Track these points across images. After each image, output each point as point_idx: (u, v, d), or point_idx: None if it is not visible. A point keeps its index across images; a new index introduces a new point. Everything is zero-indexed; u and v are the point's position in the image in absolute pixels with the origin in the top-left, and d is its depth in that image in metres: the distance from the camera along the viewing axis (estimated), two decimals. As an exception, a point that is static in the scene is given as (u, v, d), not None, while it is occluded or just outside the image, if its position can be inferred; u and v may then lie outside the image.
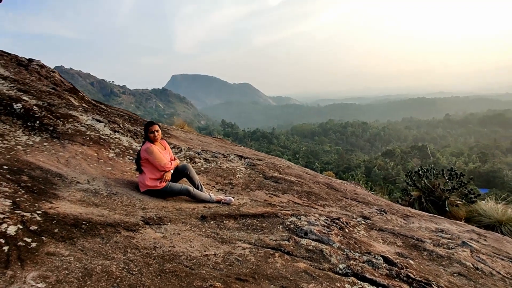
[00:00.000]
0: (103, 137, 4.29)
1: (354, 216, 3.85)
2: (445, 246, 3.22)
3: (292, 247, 2.52)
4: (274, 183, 4.69)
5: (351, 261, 2.36)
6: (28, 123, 3.98)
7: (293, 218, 3.11)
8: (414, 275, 2.28)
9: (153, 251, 2.23)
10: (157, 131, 3.35)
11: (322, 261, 2.35)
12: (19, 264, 1.76)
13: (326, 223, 3.10)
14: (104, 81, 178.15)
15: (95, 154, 3.82)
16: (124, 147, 4.28)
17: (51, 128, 4.03)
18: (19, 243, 1.90)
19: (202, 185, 3.57)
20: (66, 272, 1.79)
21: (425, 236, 3.51)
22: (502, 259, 3.26)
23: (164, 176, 3.26)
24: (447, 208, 6.89)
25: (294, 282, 2.03)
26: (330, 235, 2.75)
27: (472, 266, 2.88)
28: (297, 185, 4.75)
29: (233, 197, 3.60)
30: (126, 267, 1.96)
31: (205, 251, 2.37)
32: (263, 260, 2.31)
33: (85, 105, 6.32)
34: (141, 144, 3.46)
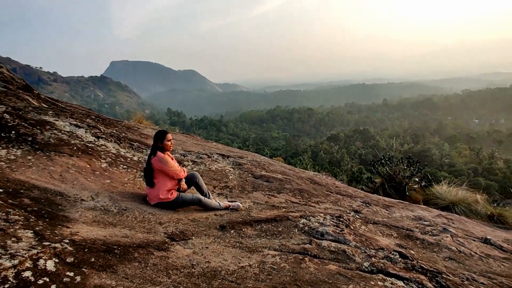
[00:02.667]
0: (89, 145, 4.01)
1: (348, 211, 4.16)
2: (430, 233, 3.67)
3: (316, 250, 2.70)
4: (266, 182, 4.82)
5: (373, 259, 2.61)
6: (2, 134, 3.57)
7: (304, 220, 3.29)
8: (426, 266, 2.60)
9: (193, 269, 2.24)
10: (171, 140, 3.27)
11: (348, 261, 2.57)
12: (76, 303, 1.67)
13: (333, 222, 3.33)
14: (29, 67, 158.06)
15: (88, 166, 3.58)
16: (114, 155, 4.05)
17: (30, 139, 3.65)
18: (64, 279, 1.79)
19: (210, 193, 3.56)
20: (125, 304, 1.75)
21: (411, 225, 3.95)
22: (474, 240, 3.82)
23: (180, 184, 3.21)
24: (407, 193, 7.69)
25: (335, 285, 2.21)
26: (344, 235, 2.98)
27: (456, 249, 3.35)
28: (287, 183, 4.94)
29: (240, 203, 3.65)
30: (178, 291, 1.96)
31: (239, 263, 2.44)
32: (297, 266, 2.45)
33: (44, 105, 5.77)
34: (148, 155, 3.31)
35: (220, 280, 2.15)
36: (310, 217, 3.36)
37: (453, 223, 4.53)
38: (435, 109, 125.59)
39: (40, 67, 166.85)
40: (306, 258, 2.55)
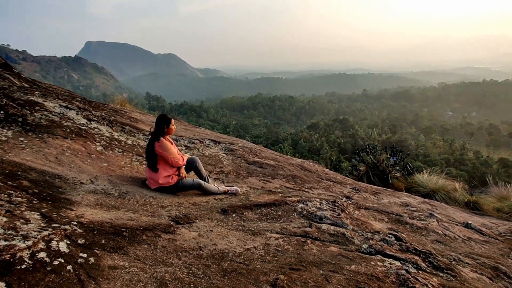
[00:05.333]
0: (82, 128, 3.90)
1: (340, 197, 4.30)
2: (418, 218, 3.88)
3: (317, 233, 2.80)
4: (259, 168, 4.88)
5: (370, 241, 2.74)
6: (-10, 114, 3.40)
7: (302, 205, 3.38)
8: (419, 248, 2.77)
9: (201, 252, 2.28)
10: (174, 124, 3.24)
11: (348, 244, 2.69)
12: (93, 283, 1.68)
13: (329, 207, 3.45)
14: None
15: (83, 149, 3.49)
16: (108, 138, 3.97)
17: (20, 120, 3.51)
18: (78, 260, 1.79)
19: (208, 177, 3.58)
20: (142, 284, 1.77)
21: (399, 210, 4.15)
22: (456, 225, 4.07)
23: (181, 172, 3.19)
24: (390, 181, 8.00)
25: (338, 265, 2.32)
26: (341, 219, 3.11)
27: (442, 233, 3.56)
28: (279, 169, 5.03)
29: (237, 188, 3.70)
30: (190, 272, 2.00)
31: (244, 245, 2.50)
32: (300, 248, 2.54)
33: (26, 85, 5.52)
34: (149, 139, 3.27)
35: (229, 262, 2.21)
36: (307, 202, 3.46)
37: (436, 209, 4.78)
38: (412, 101, 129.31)
39: (8, 45, 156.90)
40: (308, 241, 2.65)
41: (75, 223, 2.11)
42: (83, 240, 1.97)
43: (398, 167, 8.52)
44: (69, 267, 1.70)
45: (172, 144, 3.32)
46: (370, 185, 5.78)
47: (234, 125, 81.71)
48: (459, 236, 3.65)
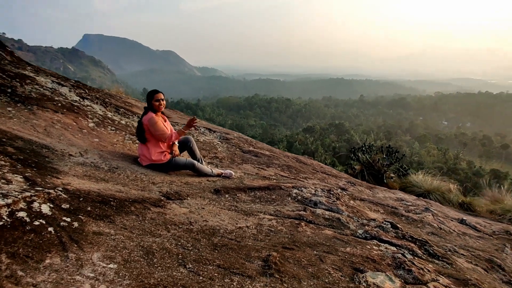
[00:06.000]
0: (75, 104, 3.78)
1: (335, 188, 4.23)
2: (414, 212, 3.82)
3: (311, 217, 2.73)
4: (254, 157, 4.80)
5: (366, 227, 2.67)
6: (-22, 83, 3.28)
7: (296, 190, 3.31)
8: (415, 236, 2.71)
9: (191, 226, 2.19)
10: (162, 99, 3.12)
11: (343, 228, 2.61)
12: (75, 245, 1.58)
13: (324, 194, 3.38)
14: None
15: (74, 123, 3.38)
16: (101, 116, 3.86)
17: (9, 90, 3.39)
18: (61, 223, 1.69)
19: (202, 159, 3.49)
20: (127, 251, 1.68)
21: (395, 204, 4.09)
22: (452, 220, 4.02)
23: (173, 149, 3.10)
24: (385, 181, 7.96)
25: (333, 247, 2.24)
26: (337, 205, 3.04)
27: (437, 226, 3.51)
28: (274, 159, 4.95)
29: (232, 172, 3.61)
30: (179, 243, 1.91)
31: (236, 223, 2.42)
32: (294, 230, 2.46)
33: (18, 62, 5.38)
34: (141, 115, 3.17)
35: (219, 238, 2.12)
36: (302, 188, 3.38)
37: (431, 206, 4.74)
38: (408, 109, 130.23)
39: (3, 33, 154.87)
40: (302, 223, 2.57)
41: (61, 189, 2.01)
42: (68, 205, 1.87)
43: (393, 167, 8.49)
44: (50, 229, 1.60)
45: (165, 121, 3.21)
46: (365, 182, 5.73)
47: (229, 125, 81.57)
48: (454, 230, 3.61)
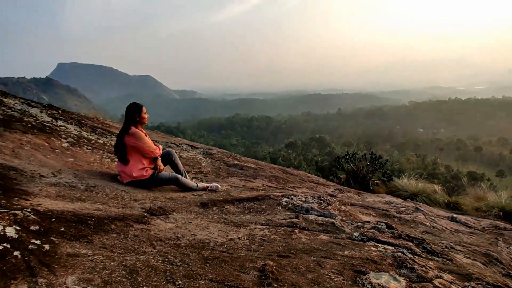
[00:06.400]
0: (47, 124, 3.57)
1: (325, 195, 4.15)
2: (405, 213, 3.78)
3: (304, 223, 2.61)
4: (240, 170, 4.67)
5: (361, 229, 2.58)
6: None
7: (286, 199, 3.19)
8: (411, 234, 2.64)
9: (179, 241, 2.03)
10: (146, 113, 2.99)
11: (338, 232, 2.51)
12: (46, 270, 1.39)
13: (315, 201, 3.28)
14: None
15: (46, 144, 3.16)
16: (76, 136, 3.65)
17: (-27, 113, 3.16)
18: (29, 246, 1.50)
19: (186, 173, 3.33)
20: (108, 272, 1.50)
21: (385, 207, 4.04)
22: (443, 219, 4.00)
23: (158, 165, 2.93)
24: (371, 187, 7.97)
25: (330, 252, 2.12)
26: (329, 210, 2.94)
27: (430, 225, 3.47)
28: (261, 171, 4.84)
29: (218, 185, 3.46)
30: (166, 260, 1.74)
31: (227, 235, 2.26)
32: (288, 237, 2.33)
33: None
34: (120, 129, 3.00)
35: (210, 251, 1.96)
36: (292, 196, 3.27)
37: (420, 206, 4.72)
38: (385, 118, 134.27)
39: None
40: (296, 230, 2.45)
41: (29, 210, 1.81)
42: (37, 227, 1.68)
43: (377, 174, 8.54)
44: (16, 253, 1.41)
45: (146, 135, 3.06)
46: (353, 189, 5.69)
47: (212, 145, 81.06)
48: (446, 228, 3.58)
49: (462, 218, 4.61)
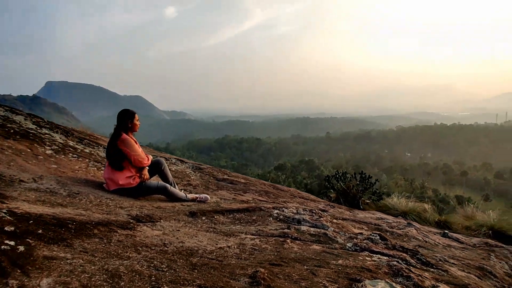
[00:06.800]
0: (31, 131, 3.46)
1: (315, 209, 4.08)
2: (397, 228, 3.73)
3: (296, 234, 2.53)
4: (230, 184, 4.58)
5: (355, 240, 2.51)
6: None
7: (277, 211, 3.11)
8: (406, 246, 2.58)
9: (166, 248, 1.92)
10: (138, 120, 2.93)
11: (331, 242, 2.43)
12: (19, 271, 1.28)
13: (307, 212, 3.21)
14: None
15: (29, 150, 3.04)
16: (61, 144, 3.54)
17: (-46, 117, 3.03)
18: (1, 247, 1.38)
19: (176, 183, 3.23)
20: (87, 275, 1.39)
21: (377, 222, 3.99)
22: (435, 234, 3.96)
23: (143, 174, 2.84)
24: (361, 206, 7.92)
25: (324, 261, 2.04)
26: (322, 221, 2.87)
27: (423, 240, 3.42)
28: (251, 186, 4.76)
29: (208, 196, 3.36)
30: (152, 265, 1.63)
31: (216, 244, 2.16)
32: (279, 247, 2.24)
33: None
34: (111, 136, 2.90)
35: (198, 258, 1.86)
36: (283, 208, 3.20)
37: (412, 222, 4.68)
38: (373, 143, 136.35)
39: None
40: (288, 240, 2.37)
41: (5, 211, 1.70)
42: (13, 228, 1.56)
43: (368, 193, 8.52)
44: (-13, 253, 1.30)
45: (136, 143, 2.98)
46: (344, 206, 5.64)
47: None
48: (439, 243, 3.53)
49: (454, 234, 4.58)
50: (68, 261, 1.48)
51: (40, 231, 1.64)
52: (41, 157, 3.02)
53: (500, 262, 3.17)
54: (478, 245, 4.21)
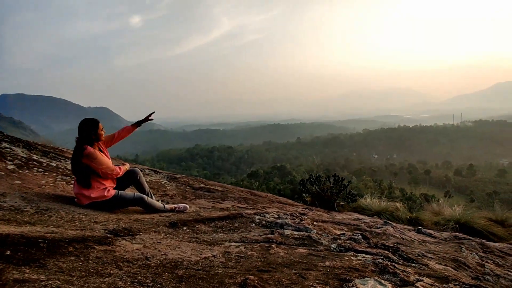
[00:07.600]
0: (-11, 146, 3.19)
1: (295, 213, 4.09)
2: (375, 227, 3.82)
3: (281, 238, 2.51)
4: (207, 192, 4.49)
5: (338, 241, 2.54)
6: None
7: (259, 216, 3.09)
8: (387, 244, 2.64)
9: (149, 262, 1.82)
10: (103, 129, 2.76)
11: (316, 245, 2.44)
12: (-13, 297, 1.15)
13: (288, 216, 3.21)
14: None
15: (-12, 166, 2.80)
16: (24, 158, 3.29)
17: None
18: (-35, 272, 1.24)
19: (152, 193, 3.10)
20: (65, 297, 1.27)
21: (355, 222, 4.07)
22: (410, 231, 4.11)
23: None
24: (336, 209, 8.08)
25: (311, 264, 2.04)
26: (304, 224, 2.88)
27: (400, 237, 3.53)
28: (229, 193, 4.70)
29: (187, 205, 3.27)
30: (136, 281, 1.54)
31: (201, 254, 2.09)
32: (266, 253, 2.21)
33: None
34: (74, 150, 2.71)
35: (184, 269, 1.79)
36: (265, 214, 3.18)
37: (387, 222, 4.83)
38: (342, 146, 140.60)
39: None
40: (273, 245, 2.34)
41: (-33, 232, 1.53)
42: (-23, 250, 1.41)
43: (342, 195, 8.73)
44: None
45: (103, 153, 2.81)
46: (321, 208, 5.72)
47: (173, 175, 78.30)
48: (415, 239, 3.66)
49: (427, 230, 4.78)
50: (43, 283, 1.35)
51: (8, 253, 1.50)
52: (3, 172, 2.79)
53: (471, 253, 3.34)
54: (449, 238, 4.43)
